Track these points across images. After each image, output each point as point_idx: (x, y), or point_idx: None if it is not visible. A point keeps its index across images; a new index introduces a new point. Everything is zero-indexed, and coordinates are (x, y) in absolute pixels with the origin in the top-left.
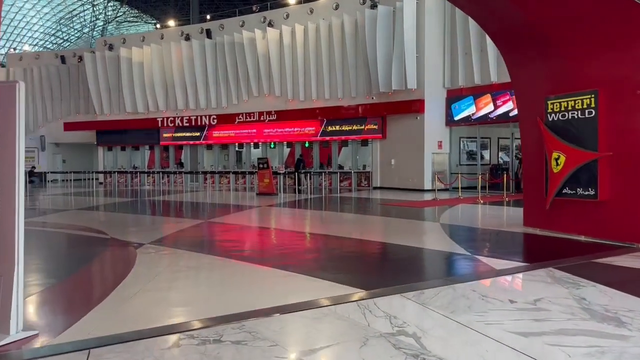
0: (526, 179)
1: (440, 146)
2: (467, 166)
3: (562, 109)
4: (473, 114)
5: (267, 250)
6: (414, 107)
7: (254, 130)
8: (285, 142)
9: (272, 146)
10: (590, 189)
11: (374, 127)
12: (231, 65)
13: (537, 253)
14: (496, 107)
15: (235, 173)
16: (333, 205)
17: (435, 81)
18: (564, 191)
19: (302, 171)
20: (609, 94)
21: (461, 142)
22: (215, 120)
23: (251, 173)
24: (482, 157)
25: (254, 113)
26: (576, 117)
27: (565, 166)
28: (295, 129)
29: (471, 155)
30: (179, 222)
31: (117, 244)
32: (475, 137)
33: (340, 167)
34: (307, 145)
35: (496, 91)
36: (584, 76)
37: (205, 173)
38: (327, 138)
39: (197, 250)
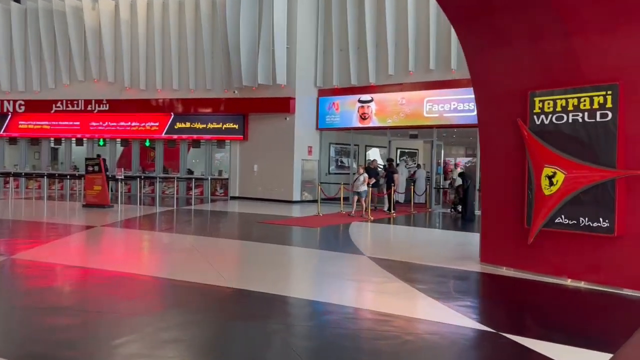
0: (486, 202)
1: (310, 152)
2: (336, 175)
3: (559, 108)
4: (346, 118)
5: (130, 327)
6: (283, 106)
7: (78, 123)
8: (119, 140)
9: (101, 144)
10: (603, 219)
11: (234, 126)
12: (48, 39)
13: (579, 319)
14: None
15: (51, 176)
16: (193, 225)
17: (307, 78)
18: (557, 220)
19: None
20: (634, 90)
21: (331, 148)
22: (23, 107)
23: (73, 177)
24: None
25: (78, 101)
26: (581, 120)
27: (564, 187)
28: (134, 124)
29: (340, 163)
30: None
31: None
32: (348, 144)
33: (190, 171)
34: (147, 144)
35: (374, 94)
36: (595, 64)
37: (6, 175)
38: (175, 137)
39: None
